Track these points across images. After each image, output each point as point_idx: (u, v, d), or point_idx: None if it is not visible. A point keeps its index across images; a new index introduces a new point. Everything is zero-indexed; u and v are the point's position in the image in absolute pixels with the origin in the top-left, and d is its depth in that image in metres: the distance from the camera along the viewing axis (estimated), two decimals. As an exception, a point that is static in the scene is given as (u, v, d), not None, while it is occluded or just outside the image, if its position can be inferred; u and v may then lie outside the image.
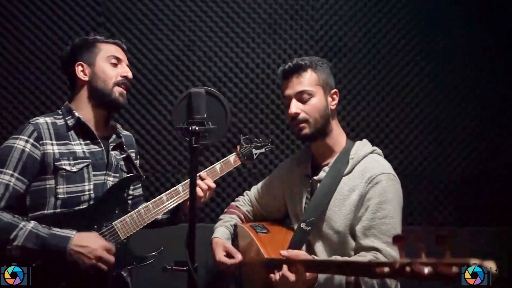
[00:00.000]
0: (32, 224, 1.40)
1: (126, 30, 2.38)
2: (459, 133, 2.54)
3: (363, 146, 1.64)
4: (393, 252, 1.45)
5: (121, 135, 1.73)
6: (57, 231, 1.41)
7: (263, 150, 1.93)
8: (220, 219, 1.87)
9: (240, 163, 1.84)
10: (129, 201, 1.74)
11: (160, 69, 2.41)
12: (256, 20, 2.44)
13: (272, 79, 2.46)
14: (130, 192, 1.76)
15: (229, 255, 1.68)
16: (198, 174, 1.67)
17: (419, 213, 2.50)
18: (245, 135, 1.92)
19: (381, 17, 2.50)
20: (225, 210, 1.94)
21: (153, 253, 1.60)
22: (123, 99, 1.64)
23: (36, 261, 1.40)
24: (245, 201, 1.94)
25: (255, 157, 1.88)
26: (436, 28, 2.51)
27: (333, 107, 1.64)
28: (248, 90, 2.46)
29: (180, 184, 1.68)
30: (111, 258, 1.44)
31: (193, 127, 1.13)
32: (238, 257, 1.66)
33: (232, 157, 1.82)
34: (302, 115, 1.58)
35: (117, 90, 1.62)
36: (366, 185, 1.51)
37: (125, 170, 1.70)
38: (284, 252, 1.39)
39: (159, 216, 1.66)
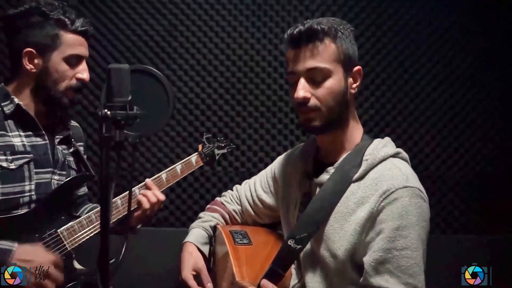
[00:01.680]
0: None
1: (101, 14, 2.14)
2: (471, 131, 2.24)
3: (382, 146, 1.23)
4: None
5: (68, 126, 1.49)
6: None
7: (225, 151, 1.74)
8: (199, 218, 1.55)
9: (202, 164, 1.65)
10: None
11: (137, 57, 2.15)
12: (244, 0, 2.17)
13: (262, 67, 2.18)
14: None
15: (198, 278, 1.38)
16: (144, 182, 1.47)
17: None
18: (208, 134, 1.74)
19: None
20: (208, 206, 1.61)
21: None
22: (70, 104, 1.39)
23: None
24: (232, 198, 1.60)
25: (217, 157, 1.70)
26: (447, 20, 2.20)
27: (353, 91, 1.24)
28: (236, 79, 2.19)
29: (136, 187, 1.46)
30: (60, 277, 1.24)
31: (104, 111, 0.87)
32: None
33: (194, 158, 1.62)
34: (313, 102, 1.17)
35: (68, 96, 1.36)
36: (380, 200, 1.13)
37: (73, 167, 1.47)
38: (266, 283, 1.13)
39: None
